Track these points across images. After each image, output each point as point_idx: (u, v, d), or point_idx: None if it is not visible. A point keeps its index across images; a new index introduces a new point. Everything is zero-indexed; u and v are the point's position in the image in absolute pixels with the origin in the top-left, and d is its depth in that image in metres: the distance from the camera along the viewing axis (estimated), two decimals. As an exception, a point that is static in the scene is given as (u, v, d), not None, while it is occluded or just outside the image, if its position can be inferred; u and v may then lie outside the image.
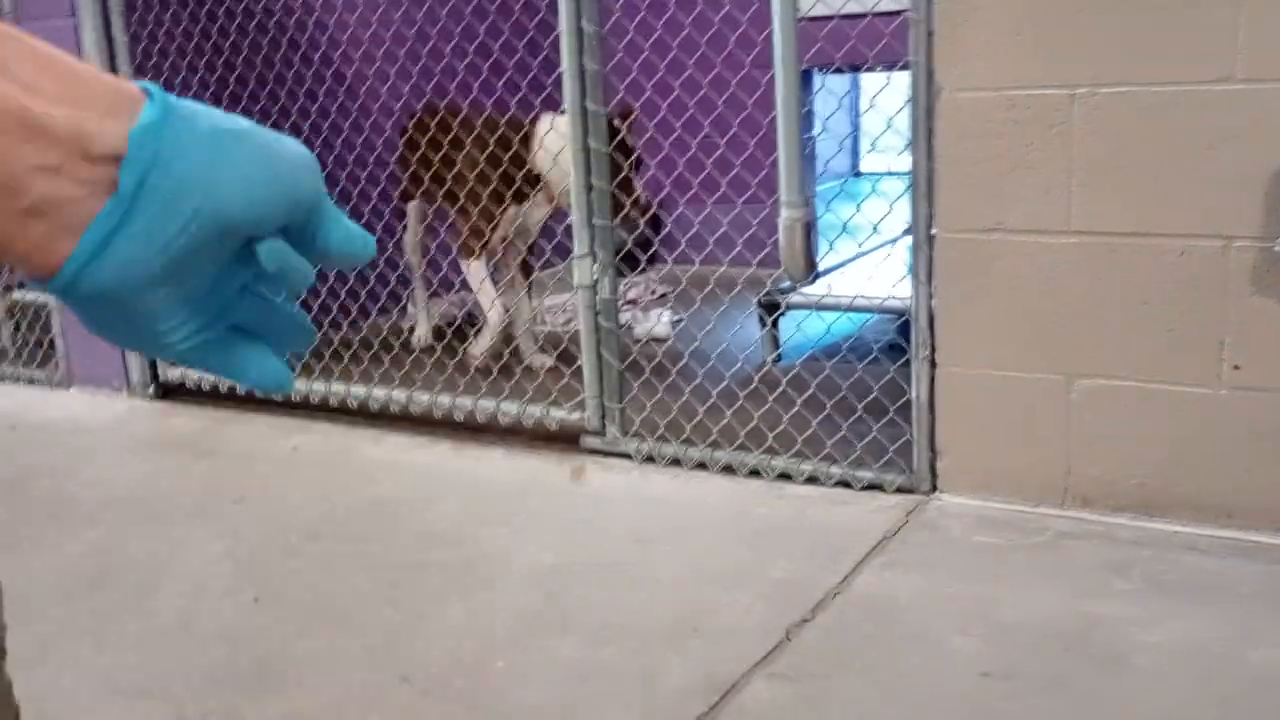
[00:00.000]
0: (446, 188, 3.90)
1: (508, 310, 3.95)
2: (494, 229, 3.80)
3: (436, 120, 3.92)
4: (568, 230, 3.33)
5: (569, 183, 3.14)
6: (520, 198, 3.77)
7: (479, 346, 3.89)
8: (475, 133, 3.77)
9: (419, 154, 4.01)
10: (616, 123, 3.56)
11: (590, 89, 3.02)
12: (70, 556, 2.75)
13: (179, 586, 2.57)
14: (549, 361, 3.95)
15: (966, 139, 2.60)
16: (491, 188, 3.71)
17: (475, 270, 3.85)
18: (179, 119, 0.55)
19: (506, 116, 3.80)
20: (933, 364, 2.73)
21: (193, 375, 3.90)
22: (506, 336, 4.01)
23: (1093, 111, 2.49)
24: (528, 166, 3.67)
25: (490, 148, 3.69)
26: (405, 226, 4.30)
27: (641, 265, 4.55)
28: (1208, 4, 2.37)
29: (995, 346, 2.66)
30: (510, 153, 3.66)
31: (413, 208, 4.25)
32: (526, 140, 3.68)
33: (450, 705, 2.06)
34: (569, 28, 2.99)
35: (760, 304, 3.87)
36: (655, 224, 5.44)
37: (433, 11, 4.78)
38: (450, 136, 3.80)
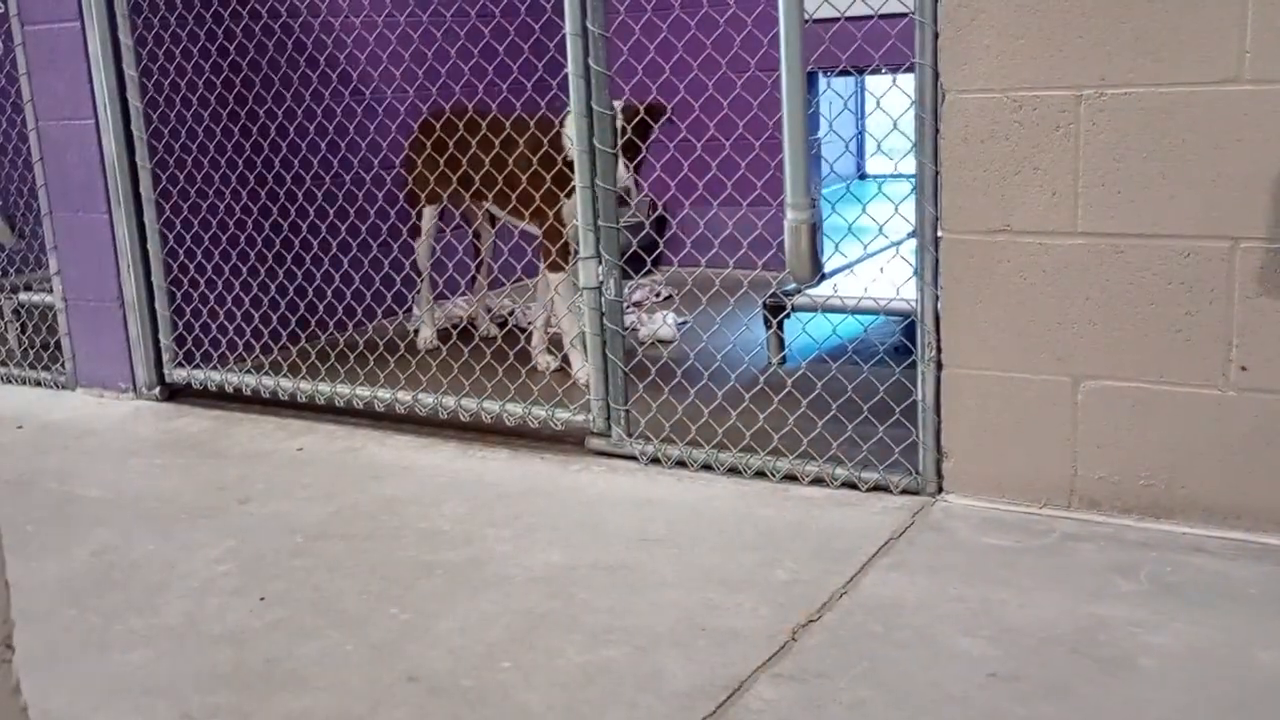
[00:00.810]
0: (490, 193, 3.88)
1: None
2: (562, 234, 3.75)
3: (464, 122, 3.91)
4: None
5: None
6: (557, 198, 3.75)
7: (576, 366, 3.76)
8: (512, 136, 3.74)
9: (437, 157, 4.01)
10: (646, 117, 3.57)
11: (596, 90, 3.03)
12: (77, 557, 2.76)
13: (185, 586, 2.57)
14: (554, 362, 3.96)
15: (972, 141, 2.60)
16: (549, 193, 3.67)
17: (557, 280, 3.78)
18: None
19: (536, 116, 3.79)
20: (938, 365, 2.73)
21: (199, 376, 3.90)
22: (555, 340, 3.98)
23: (1099, 113, 2.49)
24: (559, 165, 3.64)
25: (532, 152, 3.66)
26: (416, 230, 4.29)
27: (647, 267, 4.57)
28: (1214, 5, 2.37)
29: (1001, 348, 2.66)
30: (543, 152, 3.64)
31: (428, 211, 4.25)
32: (557, 139, 3.68)
33: (456, 705, 2.06)
34: (574, 29, 3.00)
35: (765, 306, 3.87)
36: (660, 226, 5.44)
37: (439, 15, 4.79)
38: (480, 139, 3.77)
